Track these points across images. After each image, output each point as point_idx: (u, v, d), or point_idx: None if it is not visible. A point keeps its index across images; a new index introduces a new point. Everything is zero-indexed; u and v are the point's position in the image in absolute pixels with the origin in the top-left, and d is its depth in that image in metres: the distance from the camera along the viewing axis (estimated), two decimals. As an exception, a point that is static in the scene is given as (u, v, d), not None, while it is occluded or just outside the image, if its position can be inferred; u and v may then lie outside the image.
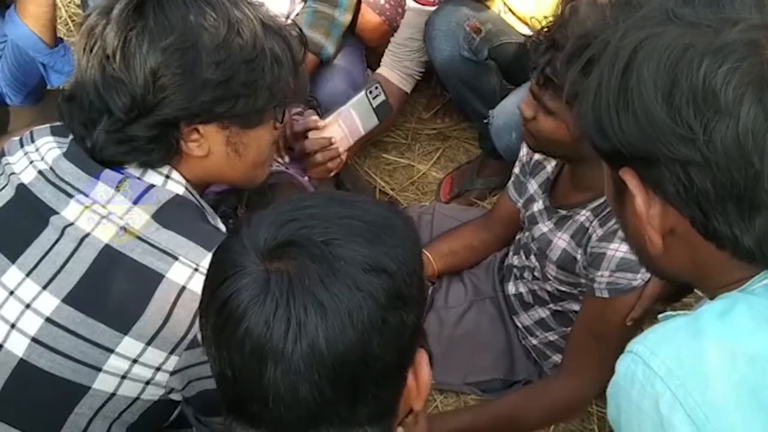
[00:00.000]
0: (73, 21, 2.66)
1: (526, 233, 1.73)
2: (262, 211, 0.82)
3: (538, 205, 1.67)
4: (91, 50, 1.13)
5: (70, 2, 2.69)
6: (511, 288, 1.83)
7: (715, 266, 0.74)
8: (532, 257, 1.72)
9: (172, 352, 1.12)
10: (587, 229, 1.51)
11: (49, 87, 1.81)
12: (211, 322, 0.80)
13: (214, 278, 0.81)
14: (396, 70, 2.14)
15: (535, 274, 1.73)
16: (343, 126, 1.72)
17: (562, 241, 1.58)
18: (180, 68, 1.11)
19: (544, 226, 1.64)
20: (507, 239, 1.88)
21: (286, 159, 1.68)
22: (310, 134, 1.69)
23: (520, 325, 1.81)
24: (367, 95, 1.73)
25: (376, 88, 1.75)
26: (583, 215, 1.53)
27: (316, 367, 0.76)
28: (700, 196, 0.70)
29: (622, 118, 0.72)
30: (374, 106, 1.75)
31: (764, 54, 0.67)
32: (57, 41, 1.72)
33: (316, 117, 1.74)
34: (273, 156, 1.37)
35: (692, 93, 0.67)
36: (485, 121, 2.03)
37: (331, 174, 1.75)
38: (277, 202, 0.86)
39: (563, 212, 1.58)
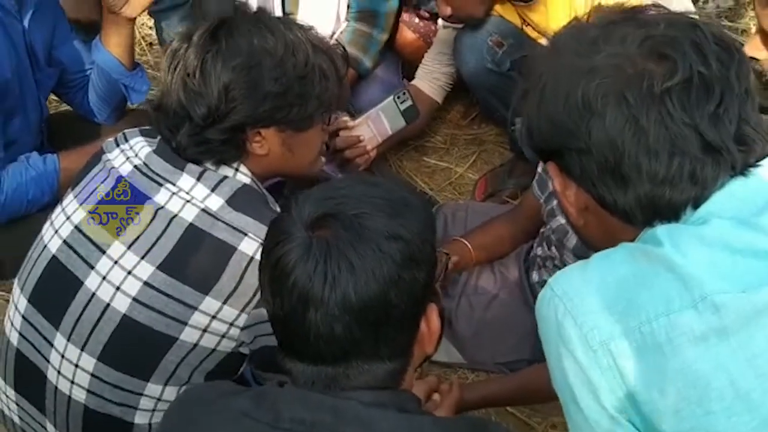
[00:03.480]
0: (145, 41, 3.02)
1: (548, 226, 1.98)
2: (307, 192, 1.07)
3: (557, 200, 1.95)
4: (175, 69, 1.41)
5: (142, 24, 3.05)
6: (535, 276, 2.07)
7: (618, 231, 1.04)
8: (552, 247, 1.97)
9: (242, 310, 1.39)
10: None
11: (129, 105, 2.15)
12: (267, 276, 1.04)
13: (270, 242, 1.05)
14: (428, 81, 2.42)
15: (556, 263, 1.98)
16: (372, 126, 2.04)
17: (578, 230, 1.86)
18: (246, 83, 1.39)
19: (561, 218, 1.88)
20: (532, 232, 2.12)
21: (323, 159, 2.01)
22: (341, 133, 2.00)
23: (543, 310, 2.09)
24: (394, 100, 2.05)
25: (404, 93, 2.06)
26: None
27: (347, 312, 0.98)
28: (591, 174, 1.00)
29: (540, 123, 1.04)
30: (402, 109, 2.06)
31: (623, 73, 0.98)
32: (135, 65, 2.07)
33: (346, 118, 2.04)
34: (323, 153, 1.64)
35: (570, 101, 0.99)
36: (512, 128, 2.31)
37: (361, 168, 2.06)
38: (318, 185, 1.10)
39: (579, 206, 1.86)
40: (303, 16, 2.28)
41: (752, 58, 1.55)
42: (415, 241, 1.02)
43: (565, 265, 1.93)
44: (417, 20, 2.50)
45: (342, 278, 0.98)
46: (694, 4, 2.43)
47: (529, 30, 2.25)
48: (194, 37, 1.43)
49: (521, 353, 2.05)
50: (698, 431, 0.93)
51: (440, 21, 2.39)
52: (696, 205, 0.99)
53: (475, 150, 2.71)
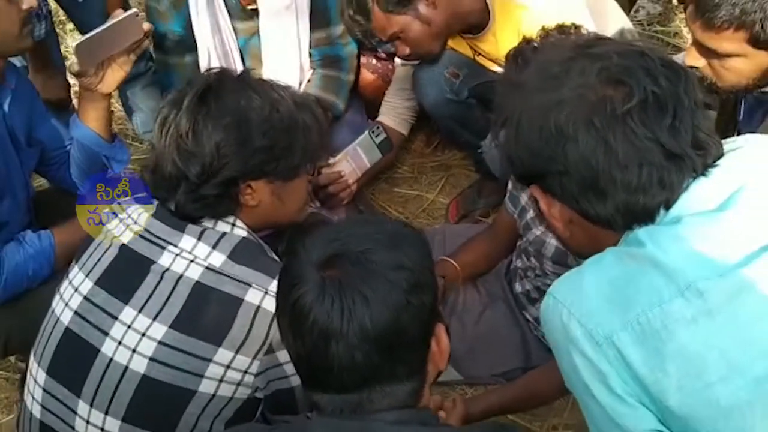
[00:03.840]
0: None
1: (524, 238, 2.09)
2: (312, 236, 1.14)
3: (530, 214, 2.03)
4: (167, 133, 1.48)
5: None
6: (518, 287, 2.17)
7: (602, 238, 1.15)
8: (532, 258, 2.08)
9: (254, 357, 1.46)
10: None
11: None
12: (286, 319, 1.11)
13: (285, 287, 1.12)
14: (392, 116, 2.51)
15: (536, 272, 2.09)
16: (351, 162, 2.16)
17: (554, 239, 1.93)
18: (236, 140, 1.47)
19: (537, 230, 2.00)
20: (510, 247, 2.22)
21: (317, 204, 2.11)
22: (323, 171, 2.10)
23: (530, 318, 2.15)
24: (370, 134, 2.16)
25: (378, 128, 2.17)
26: None
27: (365, 340, 1.06)
28: (572, 192, 1.11)
29: (520, 153, 1.14)
30: (377, 142, 2.19)
31: (587, 101, 1.09)
32: (113, 136, 2.10)
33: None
34: (309, 200, 1.72)
35: (544, 131, 1.10)
36: (479, 150, 2.41)
37: (345, 202, 2.14)
38: (320, 228, 1.18)
39: (552, 216, 1.97)
40: (267, 71, 2.37)
41: (692, 67, 1.68)
42: (417, 268, 1.11)
43: (545, 273, 2.07)
44: (375, 61, 2.61)
45: (357, 310, 1.06)
46: (626, 14, 2.58)
47: (481, 59, 2.36)
48: (184, 103, 1.50)
49: (515, 362, 2.15)
50: (702, 402, 1.04)
51: (397, 59, 2.50)
52: (668, 207, 1.10)
53: (442, 175, 2.80)
